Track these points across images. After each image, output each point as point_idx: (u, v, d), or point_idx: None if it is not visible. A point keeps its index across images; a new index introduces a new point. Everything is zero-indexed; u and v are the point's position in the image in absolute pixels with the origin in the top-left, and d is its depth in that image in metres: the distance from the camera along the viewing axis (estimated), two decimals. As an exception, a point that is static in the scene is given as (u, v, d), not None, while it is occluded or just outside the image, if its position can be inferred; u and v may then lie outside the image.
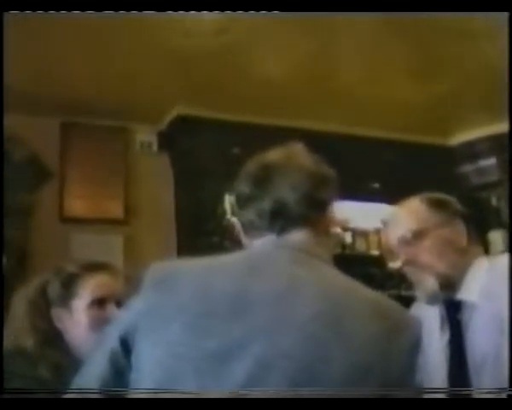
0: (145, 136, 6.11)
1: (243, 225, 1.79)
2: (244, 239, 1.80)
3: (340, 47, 4.83)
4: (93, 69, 4.96)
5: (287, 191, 1.68)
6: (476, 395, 2.19)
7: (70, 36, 4.35)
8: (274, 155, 1.80)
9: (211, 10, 3.47)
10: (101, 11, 2.93)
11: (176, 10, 3.22)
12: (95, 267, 2.48)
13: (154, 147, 6.13)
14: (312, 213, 1.70)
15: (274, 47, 4.73)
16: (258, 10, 3.21)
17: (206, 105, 5.68)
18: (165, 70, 5.03)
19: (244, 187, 1.76)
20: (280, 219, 1.68)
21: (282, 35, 4.28)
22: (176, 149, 6.06)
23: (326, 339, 1.43)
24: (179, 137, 5.93)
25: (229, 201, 5.78)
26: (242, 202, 1.77)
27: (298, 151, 1.81)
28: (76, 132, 5.83)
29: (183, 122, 5.83)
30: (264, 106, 5.73)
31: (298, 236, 1.67)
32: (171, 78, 5.17)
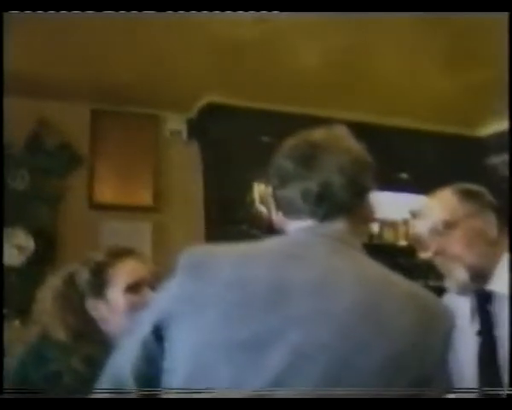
0: (175, 124, 6.13)
1: (280, 204, 1.72)
2: (277, 219, 1.74)
3: (374, 37, 4.79)
4: (124, 56, 4.97)
5: (334, 174, 1.62)
6: (476, 395, 2.19)
7: (103, 22, 4.37)
8: (319, 134, 1.72)
9: (210, 11, 3.44)
10: (101, 11, 2.94)
11: (176, 10, 3.22)
12: (122, 254, 2.48)
13: (184, 135, 6.15)
14: (354, 200, 1.65)
15: (308, 36, 4.70)
16: (269, 10, 3.20)
17: (235, 93, 5.67)
18: (196, 58, 5.03)
19: (287, 163, 1.68)
20: (325, 204, 1.62)
21: (318, 24, 4.26)
22: (205, 137, 6.05)
23: (363, 330, 1.42)
24: (209, 126, 5.93)
25: (257, 189, 5.78)
26: (283, 180, 1.68)
27: (343, 133, 1.74)
28: (106, 119, 5.87)
29: (212, 110, 5.82)
30: (295, 95, 5.70)
31: (338, 224, 1.63)
32: (201, 66, 5.16)
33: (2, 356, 2.10)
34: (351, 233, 1.64)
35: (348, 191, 1.63)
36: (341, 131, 1.76)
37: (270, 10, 3.32)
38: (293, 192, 1.66)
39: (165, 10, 3.16)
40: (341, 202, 1.63)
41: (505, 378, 2.22)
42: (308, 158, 1.66)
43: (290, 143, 1.74)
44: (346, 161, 1.65)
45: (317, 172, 1.63)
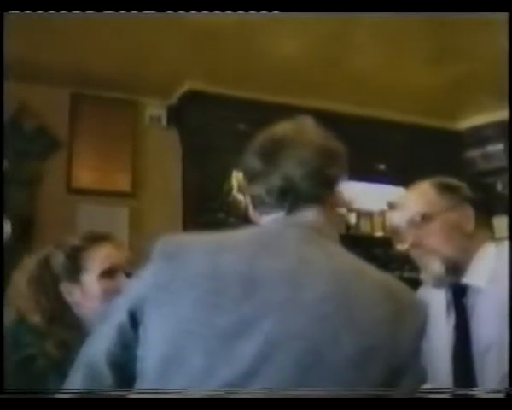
0: (155, 110, 6.11)
1: (252, 201, 1.74)
2: (253, 215, 1.76)
3: (355, 30, 4.81)
4: (105, 41, 4.95)
5: (294, 167, 1.64)
6: (476, 395, 2.21)
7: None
8: (282, 128, 1.75)
9: (211, 10, 3.43)
10: (101, 11, 2.93)
11: (176, 10, 3.20)
12: (98, 239, 2.48)
13: (164, 121, 6.13)
14: (321, 190, 1.66)
15: (289, 27, 4.71)
16: (258, 10, 3.19)
17: (216, 81, 5.67)
18: (177, 45, 5.02)
19: (253, 161, 1.71)
20: (289, 197, 1.64)
21: (299, 15, 4.26)
22: (185, 124, 6.04)
23: (335, 320, 1.42)
24: (188, 112, 5.91)
25: (235, 177, 5.78)
26: (251, 177, 1.73)
27: (307, 125, 1.76)
28: (86, 104, 5.82)
29: (192, 97, 5.81)
30: (275, 84, 5.71)
31: (308, 214, 1.64)
32: (182, 52, 5.15)
33: (1, 356, 2.08)
34: (324, 222, 1.65)
35: (313, 182, 1.65)
36: (305, 123, 1.78)
37: (258, 10, 3.29)
38: (260, 189, 1.69)
39: (164, 10, 3.15)
40: (306, 193, 1.65)
41: (479, 372, 2.25)
42: (270, 155, 1.69)
43: (256, 141, 1.76)
44: (309, 152, 1.67)
45: (279, 167, 1.66)
